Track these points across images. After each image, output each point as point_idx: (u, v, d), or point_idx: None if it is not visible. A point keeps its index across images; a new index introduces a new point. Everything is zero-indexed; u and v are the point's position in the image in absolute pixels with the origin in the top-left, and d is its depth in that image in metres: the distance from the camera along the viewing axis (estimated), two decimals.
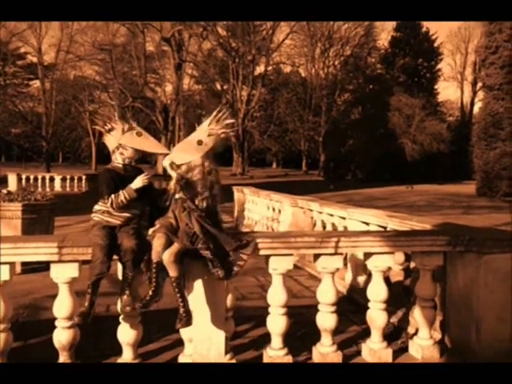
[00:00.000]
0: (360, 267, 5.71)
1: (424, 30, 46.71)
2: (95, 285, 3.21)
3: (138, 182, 3.32)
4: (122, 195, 3.28)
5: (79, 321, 3.18)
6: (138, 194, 3.36)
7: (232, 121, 3.60)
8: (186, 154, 3.39)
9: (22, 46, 48.44)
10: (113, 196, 3.28)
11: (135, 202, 3.37)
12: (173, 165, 3.35)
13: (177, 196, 3.31)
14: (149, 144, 3.42)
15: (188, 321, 3.26)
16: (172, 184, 3.32)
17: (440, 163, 41.11)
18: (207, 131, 3.44)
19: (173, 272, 3.19)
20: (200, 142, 3.37)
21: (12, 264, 3.33)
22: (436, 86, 48.93)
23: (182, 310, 3.24)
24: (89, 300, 3.21)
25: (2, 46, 43.25)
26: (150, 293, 3.21)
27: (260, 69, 49.34)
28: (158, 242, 3.19)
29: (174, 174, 3.32)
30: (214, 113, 3.51)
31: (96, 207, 3.41)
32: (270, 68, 50.99)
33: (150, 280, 3.24)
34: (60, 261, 3.30)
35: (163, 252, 3.17)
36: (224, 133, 3.53)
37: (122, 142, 3.43)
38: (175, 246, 3.18)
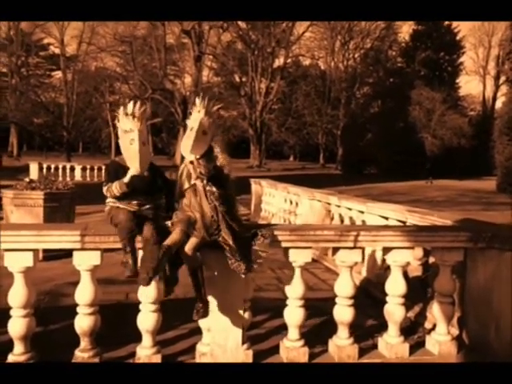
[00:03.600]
0: (377, 261, 5.69)
1: (446, 23, 45.88)
2: (130, 243, 3.24)
3: (128, 177, 3.32)
4: (113, 186, 3.32)
5: (130, 273, 3.21)
6: (148, 187, 3.41)
7: (220, 105, 3.64)
8: (200, 146, 3.39)
9: (44, 38, 49.26)
10: (109, 185, 3.34)
11: (142, 194, 3.40)
12: (196, 160, 3.35)
13: (208, 188, 3.31)
14: (132, 156, 3.35)
15: (205, 312, 3.32)
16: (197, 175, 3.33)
17: (460, 158, 40.49)
18: (207, 121, 3.42)
19: (190, 264, 3.23)
20: (205, 132, 3.40)
21: (36, 251, 3.40)
22: (457, 80, 48.06)
23: (198, 302, 3.30)
24: (130, 257, 3.23)
25: (25, 37, 43.90)
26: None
27: (279, 61, 49.22)
28: (175, 238, 3.19)
29: (201, 169, 3.31)
30: (205, 103, 3.43)
31: (108, 199, 3.47)
32: (289, 60, 50.79)
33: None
34: (82, 249, 3.36)
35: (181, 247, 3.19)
36: (217, 118, 3.56)
37: (119, 141, 3.47)
38: (193, 241, 3.20)
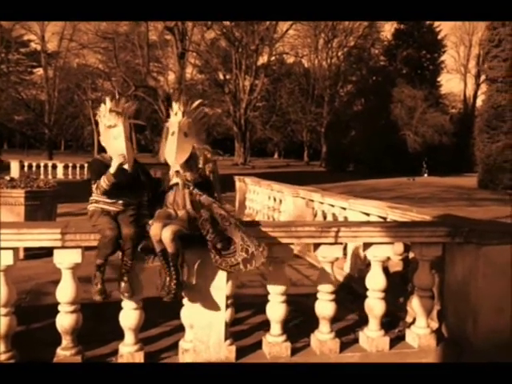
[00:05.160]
0: (359, 257, 5.76)
1: (428, 22, 46.35)
2: (103, 266, 3.27)
3: (113, 167, 3.32)
4: (102, 180, 3.31)
5: (100, 299, 3.25)
6: (132, 183, 3.40)
7: (198, 101, 3.58)
8: (184, 151, 3.38)
9: (25, 34, 48.26)
10: (97, 182, 3.33)
11: (126, 190, 3.40)
12: (181, 168, 3.34)
13: (195, 193, 3.30)
14: (118, 150, 3.33)
15: (176, 295, 3.25)
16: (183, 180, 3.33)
17: (442, 155, 41.02)
18: (186, 123, 3.40)
19: (171, 249, 3.17)
20: (186, 134, 3.38)
21: (15, 249, 3.37)
22: (439, 78, 48.65)
23: (173, 283, 3.21)
24: (100, 279, 3.26)
25: (5, 33, 43.04)
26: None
27: (263, 59, 49.20)
28: (153, 232, 3.20)
29: (187, 176, 3.31)
30: (180, 105, 3.42)
31: (91, 197, 3.47)
32: (273, 58, 50.74)
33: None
34: (63, 247, 3.34)
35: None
36: (199, 115, 3.53)
37: (101, 138, 3.46)
38: (173, 226, 3.18)
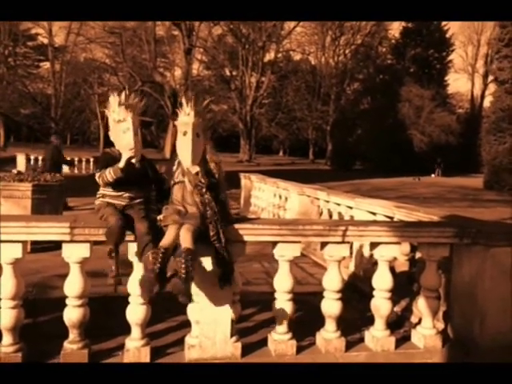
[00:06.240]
0: (365, 256, 5.75)
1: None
2: (114, 251, 3.28)
3: (123, 161, 3.30)
4: (107, 171, 3.29)
5: (116, 282, 3.29)
6: (140, 179, 3.41)
7: (208, 100, 3.60)
8: (198, 152, 3.37)
9: (32, 27, 48.41)
10: (102, 171, 3.32)
11: (135, 186, 3.41)
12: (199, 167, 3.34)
13: (206, 196, 3.28)
14: (126, 145, 3.34)
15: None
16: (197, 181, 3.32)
17: (448, 155, 40.88)
18: (198, 123, 3.37)
19: (187, 243, 3.11)
20: (198, 135, 3.37)
21: (24, 243, 3.38)
22: (446, 78, 48.51)
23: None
24: (115, 265, 3.31)
25: (12, 26, 43.17)
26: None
27: (270, 56, 49.16)
28: (171, 233, 3.20)
29: (201, 178, 3.31)
30: (192, 105, 3.36)
31: (98, 192, 3.48)
32: (279, 55, 50.67)
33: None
34: (72, 241, 3.35)
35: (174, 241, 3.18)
36: (207, 114, 3.55)
37: (110, 133, 3.47)
38: (188, 227, 3.18)
